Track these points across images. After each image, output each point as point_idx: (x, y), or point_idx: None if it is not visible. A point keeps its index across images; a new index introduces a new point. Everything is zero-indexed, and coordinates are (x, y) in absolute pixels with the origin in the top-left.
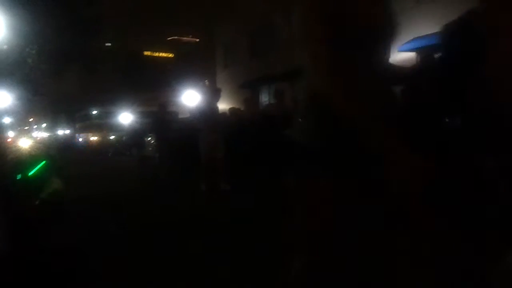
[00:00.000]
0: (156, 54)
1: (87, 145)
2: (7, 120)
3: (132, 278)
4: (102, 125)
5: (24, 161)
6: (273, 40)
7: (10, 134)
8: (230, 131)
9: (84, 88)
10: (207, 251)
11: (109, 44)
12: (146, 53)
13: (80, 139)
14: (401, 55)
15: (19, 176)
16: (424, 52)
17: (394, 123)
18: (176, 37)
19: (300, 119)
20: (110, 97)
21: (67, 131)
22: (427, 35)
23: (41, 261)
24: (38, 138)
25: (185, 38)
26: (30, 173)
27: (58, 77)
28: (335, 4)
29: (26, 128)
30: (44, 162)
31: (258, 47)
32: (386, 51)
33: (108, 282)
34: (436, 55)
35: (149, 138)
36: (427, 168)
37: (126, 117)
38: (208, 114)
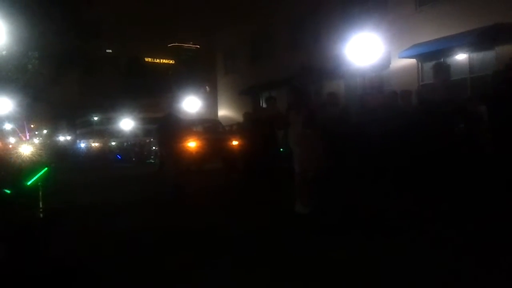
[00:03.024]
0: (157, 60)
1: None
2: (8, 126)
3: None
4: (104, 131)
5: (25, 168)
6: (273, 47)
7: (12, 140)
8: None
9: (85, 94)
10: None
11: (110, 51)
12: (147, 59)
13: (82, 145)
14: (401, 62)
15: (21, 183)
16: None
17: None
18: (176, 44)
19: None
20: (111, 103)
21: (69, 137)
22: (426, 41)
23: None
24: (40, 144)
25: (185, 44)
26: (32, 180)
27: (59, 83)
28: None
29: (28, 134)
30: (46, 169)
31: (258, 53)
32: None
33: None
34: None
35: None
36: None
37: (127, 123)
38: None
